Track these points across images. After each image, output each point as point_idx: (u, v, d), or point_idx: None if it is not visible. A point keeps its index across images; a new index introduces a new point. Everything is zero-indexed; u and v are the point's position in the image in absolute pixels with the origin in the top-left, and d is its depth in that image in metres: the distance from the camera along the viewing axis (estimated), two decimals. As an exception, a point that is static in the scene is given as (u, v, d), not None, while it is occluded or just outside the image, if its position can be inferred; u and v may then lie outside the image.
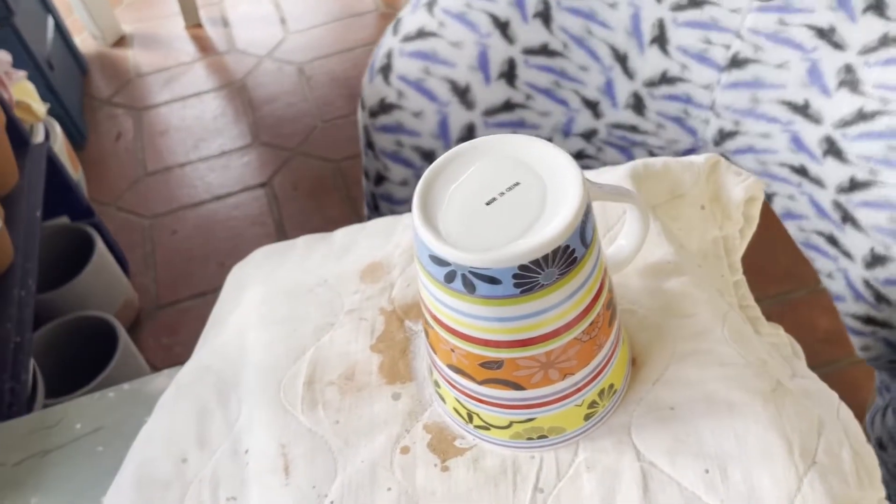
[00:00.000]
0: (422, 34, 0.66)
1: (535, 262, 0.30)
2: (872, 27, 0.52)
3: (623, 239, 0.42)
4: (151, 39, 2.10)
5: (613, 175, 0.49)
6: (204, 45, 2.05)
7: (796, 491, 0.35)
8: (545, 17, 0.63)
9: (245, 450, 0.41)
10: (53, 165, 1.29)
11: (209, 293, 1.45)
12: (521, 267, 0.30)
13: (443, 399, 0.39)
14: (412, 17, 0.67)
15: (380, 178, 0.73)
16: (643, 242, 0.42)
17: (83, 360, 1.14)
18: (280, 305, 0.47)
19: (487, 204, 0.32)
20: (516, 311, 0.32)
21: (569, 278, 0.32)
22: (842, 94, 0.54)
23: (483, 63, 0.64)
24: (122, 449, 0.46)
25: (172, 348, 1.36)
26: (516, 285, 0.31)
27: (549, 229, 0.31)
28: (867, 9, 0.51)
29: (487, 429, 0.38)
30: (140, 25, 2.15)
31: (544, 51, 0.64)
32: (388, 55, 0.68)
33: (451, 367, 0.36)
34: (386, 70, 0.68)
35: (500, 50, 0.64)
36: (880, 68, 0.52)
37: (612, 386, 0.38)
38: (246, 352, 0.45)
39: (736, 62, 0.58)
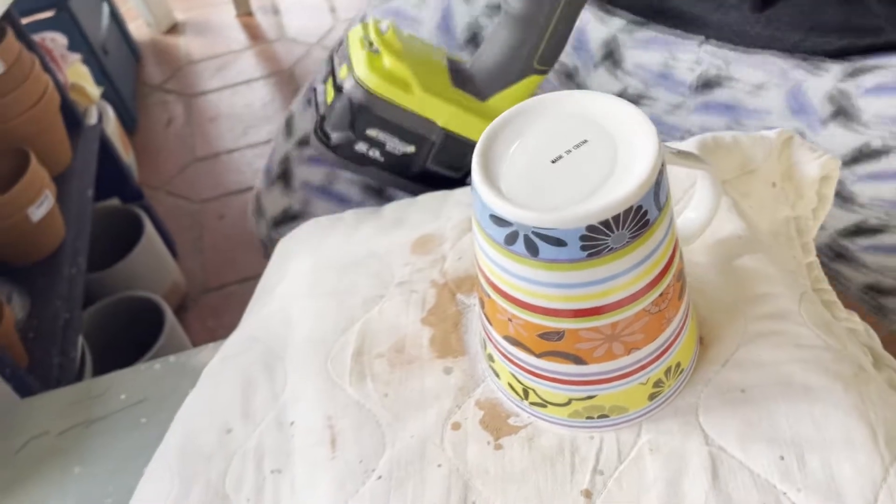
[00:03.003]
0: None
1: (606, 224, 0.28)
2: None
3: (692, 211, 0.40)
4: (203, 27, 2.12)
5: (683, 143, 0.47)
6: (254, 33, 2.06)
7: (882, 481, 0.32)
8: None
9: (291, 422, 0.40)
10: (106, 147, 1.30)
11: (253, 279, 1.45)
12: (590, 228, 0.28)
13: (497, 374, 0.37)
14: None
15: (293, 217, 0.66)
16: (714, 214, 0.40)
17: (130, 340, 1.15)
18: (328, 276, 0.45)
19: (553, 162, 0.30)
20: (582, 276, 0.30)
21: (640, 242, 0.30)
22: None
23: (447, 25, 0.62)
24: (165, 420, 0.45)
25: (217, 332, 1.36)
26: (583, 248, 0.29)
27: (621, 188, 0.28)
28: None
29: (544, 406, 0.36)
30: (192, 13, 2.17)
31: None
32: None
33: (507, 338, 0.34)
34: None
35: (460, 13, 0.62)
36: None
37: (678, 365, 0.36)
38: (293, 322, 0.44)
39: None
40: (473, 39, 0.62)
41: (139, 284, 1.25)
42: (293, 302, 0.45)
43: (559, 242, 0.29)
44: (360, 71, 0.48)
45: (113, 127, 1.49)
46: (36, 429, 0.52)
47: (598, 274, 0.30)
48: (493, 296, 0.33)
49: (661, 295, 0.32)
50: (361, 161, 0.51)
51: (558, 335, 0.32)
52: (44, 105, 1.09)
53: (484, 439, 0.37)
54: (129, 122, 1.75)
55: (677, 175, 0.45)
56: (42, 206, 1.00)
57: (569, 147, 0.31)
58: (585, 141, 0.31)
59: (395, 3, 0.63)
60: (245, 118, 1.80)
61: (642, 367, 0.34)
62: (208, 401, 0.43)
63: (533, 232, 0.29)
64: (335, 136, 0.50)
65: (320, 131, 0.51)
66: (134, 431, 0.50)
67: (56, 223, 1.05)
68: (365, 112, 0.49)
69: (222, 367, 0.44)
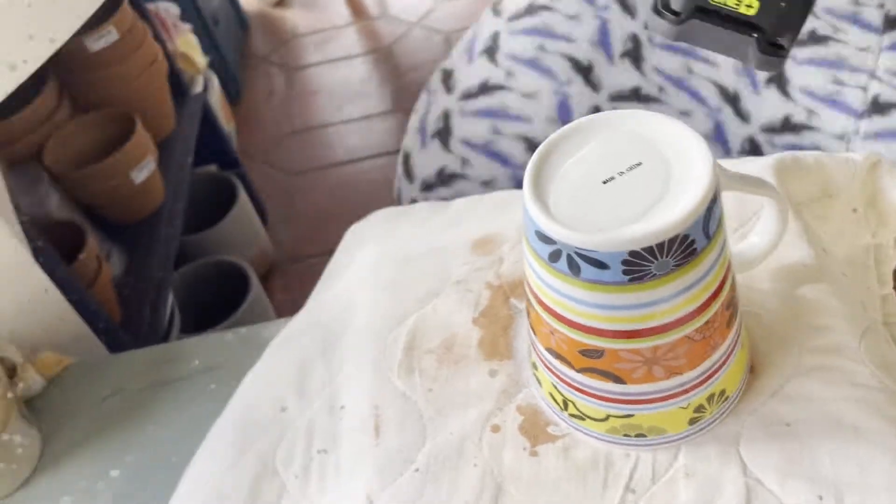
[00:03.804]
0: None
1: (649, 250, 0.28)
2: None
3: (756, 236, 0.39)
4: (310, 1, 2.17)
5: (755, 166, 0.46)
6: (358, 10, 2.09)
7: (924, 536, 0.31)
8: (635, 57, 0.58)
9: (341, 405, 0.42)
10: (208, 116, 1.36)
11: (338, 252, 1.50)
12: (632, 253, 0.28)
13: (539, 382, 0.38)
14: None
15: (448, 178, 0.63)
16: (778, 241, 0.39)
17: (217, 302, 1.21)
18: (390, 269, 0.47)
19: (604, 183, 0.31)
20: (623, 300, 0.30)
21: (685, 271, 0.30)
22: None
23: (603, 40, 0.60)
24: (233, 389, 0.47)
25: (299, 301, 1.41)
26: (625, 272, 0.29)
27: (667, 215, 0.28)
28: None
29: (583, 419, 0.36)
30: (301, -13, 2.22)
31: (636, 96, 0.59)
32: (495, 37, 0.63)
33: (549, 350, 0.35)
34: (492, 51, 0.62)
35: (620, 24, 0.59)
36: None
37: (723, 392, 0.35)
38: (353, 310, 0.46)
39: (878, 106, 0.51)
40: (631, 53, 0.60)
41: (229, 249, 1.31)
42: (355, 290, 0.47)
43: (601, 265, 0.29)
44: None
45: (216, 96, 1.55)
46: (118, 384, 0.56)
47: (640, 298, 0.30)
48: (537, 308, 0.34)
49: (706, 323, 0.32)
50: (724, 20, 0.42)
51: (598, 353, 0.32)
52: (152, 73, 1.15)
53: (521, 445, 0.37)
54: (233, 92, 1.82)
55: (745, 197, 0.44)
56: (144, 170, 1.06)
57: (622, 168, 0.31)
58: (640, 163, 0.31)
59: (542, 18, 0.61)
60: (342, 94, 1.84)
61: (683, 392, 0.34)
62: (268, 377, 0.45)
63: (576, 252, 0.29)
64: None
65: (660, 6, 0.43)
66: (203, 397, 0.54)
67: (156, 186, 1.11)
68: None
69: (284, 345, 0.47)
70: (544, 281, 0.32)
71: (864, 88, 0.52)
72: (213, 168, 1.42)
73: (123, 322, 0.98)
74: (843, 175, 0.46)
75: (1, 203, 0.62)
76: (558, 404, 0.37)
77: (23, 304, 0.60)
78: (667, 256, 0.29)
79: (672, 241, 0.28)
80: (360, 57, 1.94)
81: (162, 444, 0.51)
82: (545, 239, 0.30)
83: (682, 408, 0.34)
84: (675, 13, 0.41)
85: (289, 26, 2.09)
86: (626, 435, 0.36)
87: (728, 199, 0.41)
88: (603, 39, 0.58)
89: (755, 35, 0.41)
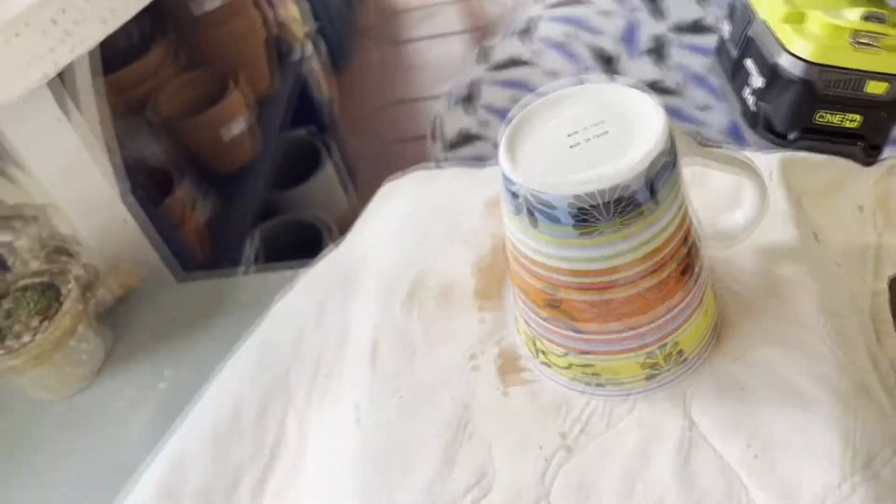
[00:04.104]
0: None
1: (594, 206, 0.31)
2: None
3: (739, 214, 0.41)
4: (418, -23, 2.22)
5: (762, 160, 0.47)
6: (463, -12, 2.13)
7: (838, 495, 0.33)
8: (658, 55, 0.60)
9: (348, 336, 0.47)
10: (305, 82, 1.44)
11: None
12: (577, 197, 0.31)
13: (518, 330, 0.42)
14: None
15: (469, 138, 0.68)
16: (759, 220, 0.40)
17: (294, 258, 1.29)
18: (408, 220, 0.51)
19: (571, 146, 0.34)
20: (575, 251, 0.33)
21: (630, 227, 0.32)
22: None
23: (629, 37, 0.63)
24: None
25: (375, 263, 1.48)
26: (575, 226, 0.32)
27: (611, 168, 0.31)
28: None
29: (549, 366, 0.40)
30: (411, -37, 2.28)
31: (654, 88, 0.61)
32: (533, 20, 0.68)
33: (521, 298, 0.38)
34: (526, 32, 0.67)
35: (648, 26, 0.62)
36: None
37: (681, 352, 0.38)
38: (373, 255, 0.51)
39: None
40: (654, 51, 0.63)
41: (313, 209, 1.39)
42: (378, 237, 0.52)
43: (553, 217, 0.32)
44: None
45: (317, 64, 1.63)
46: (177, 308, 0.63)
47: (590, 250, 0.33)
48: (511, 259, 0.37)
49: (659, 283, 0.35)
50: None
51: (558, 302, 0.36)
52: (254, 37, 1.23)
53: (495, 385, 0.41)
54: (337, 61, 1.89)
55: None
56: (236, 127, 1.14)
57: (589, 134, 0.34)
58: (606, 131, 0.34)
59: (577, 10, 0.65)
60: (437, 70, 1.89)
61: (637, 346, 0.37)
62: (292, 308, 0.51)
63: (531, 194, 0.32)
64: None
65: (763, 127, 0.48)
66: (248, 326, 0.60)
67: (248, 143, 1.20)
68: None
69: (310, 281, 0.52)
70: (513, 233, 0.35)
71: None
72: (305, 131, 1.50)
73: (205, 264, 1.07)
74: (853, 174, 0.47)
75: (98, 143, 0.70)
76: (531, 351, 0.41)
77: (105, 231, 0.68)
78: (612, 211, 0.32)
79: (613, 189, 0.31)
80: (459, 35, 1.98)
81: (206, 363, 0.58)
82: (512, 193, 0.33)
83: (637, 361, 0.37)
84: (780, 135, 0.46)
85: (397, 0, 2.16)
86: (587, 384, 0.39)
87: (726, 182, 0.43)
88: (629, 37, 0.62)
89: (859, 144, 0.46)
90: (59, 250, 0.62)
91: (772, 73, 0.46)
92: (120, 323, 0.63)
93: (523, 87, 0.65)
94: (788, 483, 0.34)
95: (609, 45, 0.65)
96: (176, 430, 0.47)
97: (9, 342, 0.54)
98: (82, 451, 0.54)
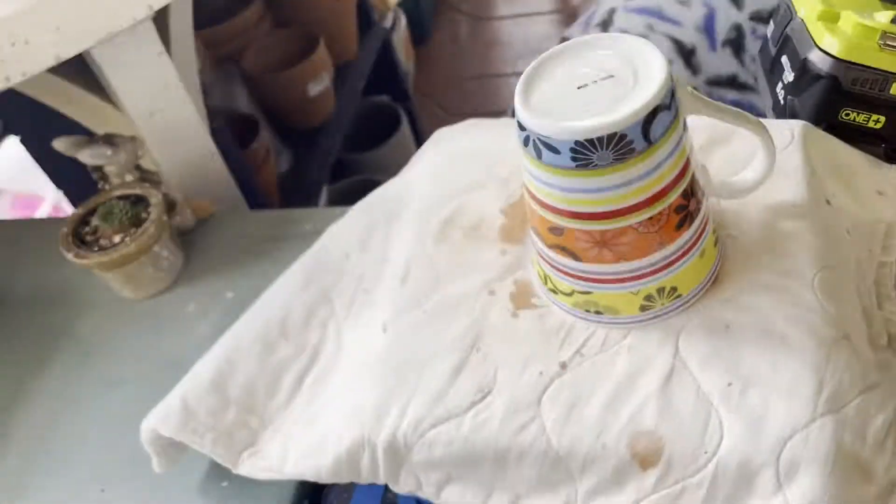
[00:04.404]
0: None
1: (590, 142, 0.36)
2: None
3: (749, 170, 0.44)
4: (510, -43, 2.25)
5: (789, 121, 0.50)
6: (553, -30, 2.15)
7: (803, 427, 0.37)
8: (737, 47, 0.61)
9: (386, 259, 0.53)
10: (388, 50, 1.51)
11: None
12: (578, 143, 0.36)
13: (532, 262, 0.46)
14: None
15: None
16: (765, 176, 0.44)
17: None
18: (451, 162, 0.56)
19: (579, 88, 0.38)
20: (573, 183, 0.38)
21: (624, 166, 0.37)
22: None
23: (709, 26, 0.65)
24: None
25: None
26: (573, 159, 0.37)
27: (608, 116, 0.35)
28: None
29: (556, 293, 0.44)
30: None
31: (731, 83, 0.62)
32: (611, 12, 0.69)
33: (533, 229, 0.43)
34: (605, 24, 0.69)
35: (727, 14, 0.63)
36: None
37: (675, 289, 0.42)
38: (416, 190, 0.56)
39: None
40: (734, 42, 0.64)
41: (384, 173, 1.45)
42: (421, 175, 0.57)
43: (554, 150, 0.37)
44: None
45: (401, 34, 1.70)
46: (248, 231, 0.71)
47: (586, 183, 0.37)
48: (524, 192, 0.42)
49: (650, 219, 0.39)
50: None
51: (560, 231, 0.40)
52: (342, 4, 1.30)
53: (507, 308, 0.46)
54: (420, 33, 1.96)
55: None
56: (318, 86, 1.21)
57: (596, 78, 0.38)
58: (612, 76, 0.38)
59: (653, 1, 0.67)
60: (519, 49, 1.92)
61: (632, 279, 0.41)
62: (341, 232, 0.57)
63: (538, 138, 0.37)
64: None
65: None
66: (306, 249, 0.66)
67: (327, 102, 1.27)
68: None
69: (360, 209, 0.58)
70: (524, 165, 0.40)
71: None
72: (384, 98, 1.56)
73: (279, 210, 1.15)
74: (876, 164, 0.50)
75: (191, 83, 0.78)
76: (541, 279, 0.45)
77: (191, 162, 0.76)
78: (606, 149, 0.36)
79: (611, 137, 0.35)
80: (545, 15, 2.01)
81: (267, 277, 0.64)
82: (521, 127, 0.38)
83: (633, 293, 0.41)
84: None
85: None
86: (587, 311, 0.43)
87: (748, 142, 0.46)
88: (708, 26, 0.63)
89: (883, 146, 0.47)
90: (145, 178, 0.70)
91: (802, 67, 0.48)
92: (197, 242, 0.70)
93: None
94: (757, 412, 0.38)
95: (688, 36, 0.65)
96: (230, 332, 0.53)
97: (102, 242, 0.62)
98: (154, 345, 0.62)
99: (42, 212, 1.18)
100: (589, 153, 0.36)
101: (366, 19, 1.45)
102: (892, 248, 0.48)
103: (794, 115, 0.50)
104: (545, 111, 0.37)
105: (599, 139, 0.36)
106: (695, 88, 0.39)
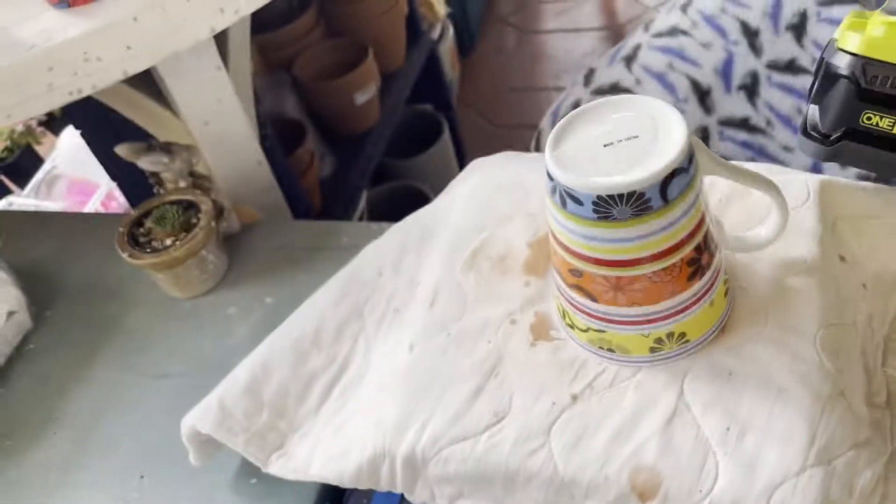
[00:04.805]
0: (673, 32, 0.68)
1: (611, 197, 0.39)
2: None
3: (763, 227, 0.47)
4: (561, -29, 2.27)
5: (805, 176, 0.52)
6: (603, -14, 2.17)
7: (794, 475, 0.39)
8: (751, 91, 0.62)
9: (419, 282, 0.56)
10: (434, 60, 1.54)
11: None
12: (599, 197, 0.39)
13: (554, 299, 0.49)
14: (666, 17, 0.71)
15: (619, 90, 0.73)
16: (777, 234, 0.46)
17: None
18: (485, 192, 0.59)
19: (605, 146, 0.41)
20: (594, 232, 0.41)
21: (641, 221, 0.39)
22: None
23: (727, 70, 0.67)
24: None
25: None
26: (594, 211, 0.40)
27: (629, 176, 0.38)
28: None
29: (573, 328, 0.47)
30: (556, -44, 2.33)
31: (744, 125, 0.64)
32: (637, 48, 0.71)
33: (554, 267, 0.46)
34: (629, 59, 0.71)
35: (745, 60, 0.65)
36: None
37: (683, 334, 0.44)
38: (451, 217, 0.59)
39: None
40: (798, 27, 0.63)
41: (423, 179, 1.49)
42: (457, 203, 0.61)
43: (578, 201, 0.40)
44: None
45: (448, 45, 1.73)
46: (289, 241, 0.75)
47: (606, 233, 0.40)
48: (549, 233, 0.45)
49: (663, 269, 0.42)
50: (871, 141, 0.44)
51: (579, 273, 0.43)
52: (392, 15, 1.34)
53: (526, 338, 0.49)
54: (466, 43, 1.99)
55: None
56: (365, 95, 1.25)
57: (622, 138, 0.41)
58: (637, 136, 0.41)
59: (678, 40, 0.68)
60: (563, 63, 1.94)
61: (643, 322, 0.44)
62: (377, 250, 0.60)
63: (564, 189, 0.40)
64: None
65: (809, 129, 0.45)
66: (343, 262, 0.70)
67: (373, 111, 1.31)
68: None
69: (397, 230, 0.61)
70: (549, 211, 0.43)
71: None
72: (428, 107, 1.60)
73: (320, 215, 1.19)
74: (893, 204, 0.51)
75: (246, 93, 0.82)
76: (560, 313, 0.48)
77: (241, 169, 0.80)
78: (625, 205, 0.39)
79: (630, 194, 0.38)
80: (590, 31, 2.03)
81: (306, 287, 0.68)
82: (550, 177, 0.41)
83: (643, 335, 0.44)
84: (824, 136, 0.43)
85: (539, -10, 2.22)
86: (600, 347, 0.46)
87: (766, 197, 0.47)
88: (726, 70, 0.66)
89: None
90: (197, 184, 0.74)
91: (824, 73, 0.44)
92: (241, 248, 0.75)
93: None
94: (751, 457, 0.41)
95: (706, 77, 0.67)
96: (267, 339, 0.57)
97: (154, 244, 0.66)
98: (196, 344, 0.66)
99: (96, 199, 1.25)
100: (609, 207, 0.39)
101: (414, 29, 1.49)
102: None
103: (813, 127, 0.45)
104: (572, 165, 0.40)
105: (620, 196, 0.39)
106: (705, 129, 0.41)
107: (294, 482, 0.51)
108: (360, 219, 1.30)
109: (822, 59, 0.43)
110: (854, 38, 0.42)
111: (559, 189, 0.41)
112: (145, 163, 0.69)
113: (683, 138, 0.40)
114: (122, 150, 0.69)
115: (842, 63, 0.42)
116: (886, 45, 0.41)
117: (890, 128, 0.42)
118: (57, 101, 0.60)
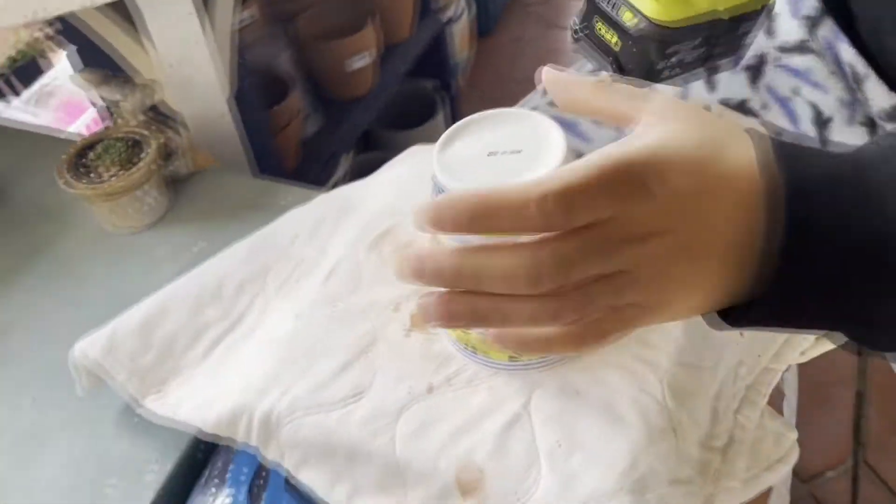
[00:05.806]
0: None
1: (476, 205, 0.40)
2: None
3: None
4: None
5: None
6: (634, -9, 2.15)
7: (605, 496, 0.41)
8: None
9: (327, 253, 0.58)
10: (441, 39, 1.55)
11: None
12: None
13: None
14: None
15: (747, 111, 0.62)
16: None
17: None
18: (411, 181, 0.61)
19: (488, 156, 0.42)
20: (467, 238, 0.42)
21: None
22: None
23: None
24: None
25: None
26: (462, 216, 0.41)
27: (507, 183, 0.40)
28: None
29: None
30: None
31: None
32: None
33: (435, 263, 0.48)
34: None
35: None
36: None
37: (542, 349, 0.46)
38: (372, 197, 0.61)
39: None
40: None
41: (411, 154, 1.50)
42: (381, 186, 0.62)
43: (447, 204, 0.41)
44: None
45: (463, 25, 1.73)
46: (231, 193, 0.76)
47: (479, 239, 0.42)
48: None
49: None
50: None
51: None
52: (403, -13, 1.34)
53: (404, 325, 0.51)
54: (486, 26, 1.99)
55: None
56: (359, 62, 1.26)
57: (506, 150, 0.42)
58: (520, 151, 0.42)
59: (806, 60, 0.60)
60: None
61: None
62: (296, 217, 0.62)
63: (443, 192, 0.41)
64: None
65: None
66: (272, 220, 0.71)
67: (367, 78, 1.32)
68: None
69: (320, 201, 0.63)
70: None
71: None
72: (430, 82, 1.61)
73: (294, 173, 1.21)
74: None
75: (222, 44, 0.83)
76: (438, 308, 0.50)
77: (204, 117, 0.82)
78: (488, 215, 0.40)
79: (493, 206, 0.40)
80: (613, 34, 2.02)
81: (236, 240, 0.70)
82: (434, 179, 0.43)
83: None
84: None
85: (569, -16, 2.21)
86: (466, 346, 0.48)
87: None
88: (850, 101, 0.58)
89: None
90: (159, 119, 0.76)
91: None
92: (186, 192, 0.76)
93: None
94: (573, 474, 0.42)
95: (829, 106, 0.58)
96: (172, 284, 0.59)
97: (92, 176, 0.68)
98: (119, 278, 0.68)
99: (82, 121, 1.27)
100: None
101: (425, 5, 1.49)
102: (784, 357, 0.51)
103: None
104: (455, 170, 0.42)
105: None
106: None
107: (172, 430, 0.53)
108: (338, 183, 1.32)
109: None
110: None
111: (440, 191, 0.42)
112: (103, 92, 0.71)
113: (560, 157, 0.41)
114: (80, 77, 0.70)
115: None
116: None
117: (611, 41, 0.47)
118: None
